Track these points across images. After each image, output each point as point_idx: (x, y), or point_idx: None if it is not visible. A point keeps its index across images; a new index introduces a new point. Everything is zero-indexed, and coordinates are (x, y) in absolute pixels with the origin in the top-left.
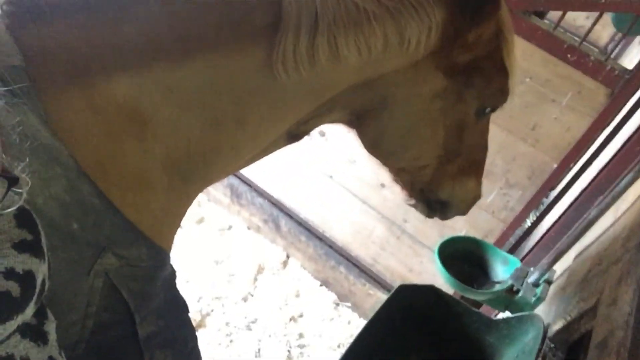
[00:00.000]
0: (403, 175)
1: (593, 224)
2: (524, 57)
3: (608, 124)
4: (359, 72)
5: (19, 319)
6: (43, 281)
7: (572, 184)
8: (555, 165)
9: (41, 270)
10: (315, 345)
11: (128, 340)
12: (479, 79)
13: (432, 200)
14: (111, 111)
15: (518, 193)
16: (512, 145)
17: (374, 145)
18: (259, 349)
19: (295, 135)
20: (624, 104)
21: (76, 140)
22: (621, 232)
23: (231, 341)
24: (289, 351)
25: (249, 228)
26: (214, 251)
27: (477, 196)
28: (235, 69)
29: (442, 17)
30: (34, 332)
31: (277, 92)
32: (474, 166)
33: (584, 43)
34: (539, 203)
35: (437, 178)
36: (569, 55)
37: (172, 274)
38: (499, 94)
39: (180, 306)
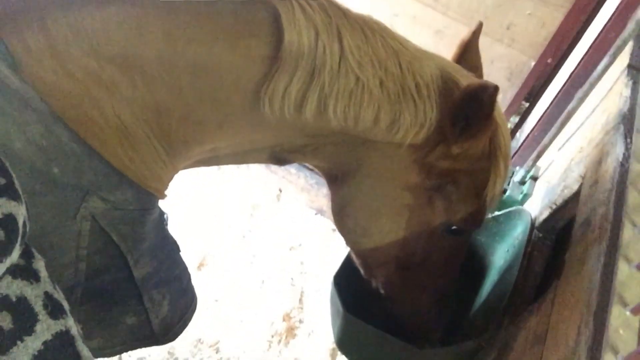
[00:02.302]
0: (363, 264)
1: (572, 115)
2: None
3: (583, 14)
4: (343, 129)
5: (7, 262)
6: (24, 223)
7: (551, 80)
8: (533, 63)
9: (21, 212)
10: (316, 271)
11: (125, 283)
12: (453, 192)
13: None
14: (80, 71)
15: (499, 96)
16: (489, 48)
17: (337, 213)
18: (263, 281)
19: (279, 159)
20: None
21: (48, 89)
22: (600, 117)
23: (234, 278)
24: (292, 279)
25: (237, 167)
26: (205, 193)
27: (434, 326)
28: (221, 83)
29: (436, 120)
30: (24, 272)
31: (259, 117)
32: (435, 285)
33: None
34: (519, 104)
35: (391, 286)
36: None
37: (161, 216)
38: (470, 218)
39: (171, 246)
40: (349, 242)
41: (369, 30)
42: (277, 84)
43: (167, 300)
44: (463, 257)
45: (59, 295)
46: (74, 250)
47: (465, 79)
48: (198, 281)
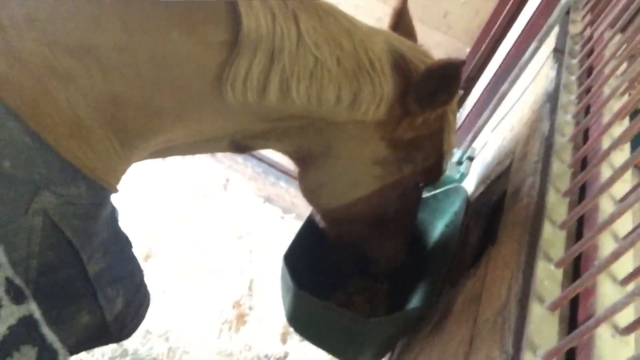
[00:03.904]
0: (334, 226)
1: (504, 97)
2: None
3: (514, 2)
4: (307, 112)
5: None
6: None
7: (485, 65)
8: (468, 50)
9: None
10: (266, 258)
11: (78, 280)
12: (418, 156)
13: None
14: (35, 62)
15: None
16: (427, 36)
17: (311, 191)
18: (211, 270)
19: (240, 146)
20: None
21: (1, 81)
22: (529, 98)
23: (182, 268)
24: (241, 267)
25: (183, 157)
26: (150, 183)
27: (401, 258)
28: (181, 71)
29: (393, 93)
30: None
31: (221, 104)
32: (401, 229)
33: None
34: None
35: (366, 236)
36: None
37: (114, 211)
38: (434, 172)
39: (124, 242)
40: (323, 213)
41: (322, 11)
42: (237, 68)
43: (121, 297)
44: (420, 201)
45: (20, 281)
46: (25, 247)
47: (411, 50)
48: (145, 273)
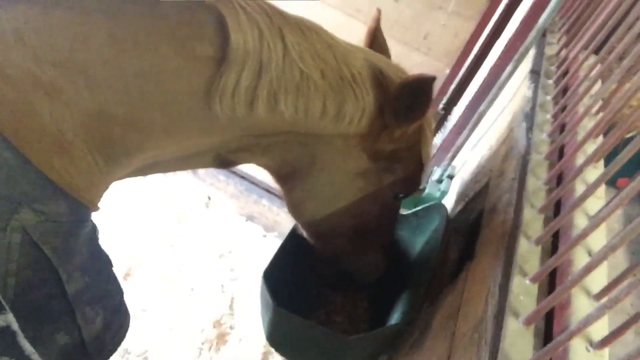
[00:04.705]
0: (318, 239)
1: (483, 116)
2: None
3: (491, 25)
4: (294, 125)
5: None
6: None
7: (465, 86)
8: (448, 71)
9: None
10: (247, 277)
11: (56, 299)
12: (398, 167)
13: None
14: (20, 75)
15: None
16: (408, 56)
17: (296, 205)
18: (192, 289)
19: (224, 161)
20: (502, 3)
21: None
22: (506, 117)
23: (162, 287)
24: (222, 285)
25: (164, 175)
26: (131, 201)
27: (381, 269)
28: (169, 86)
29: (373, 106)
30: None
31: (208, 118)
32: (381, 240)
33: None
34: (435, 110)
35: (348, 248)
36: None
37: (94, 229)
38: (412, 183)
39: (104, 261)
40: (306, 227)
41: (305, 27)
42: (226, 82)
43: (100, 317)
44: (398, 212)
45: None
46: (3, 264)
47: (387, 65)
48: (125, 291)
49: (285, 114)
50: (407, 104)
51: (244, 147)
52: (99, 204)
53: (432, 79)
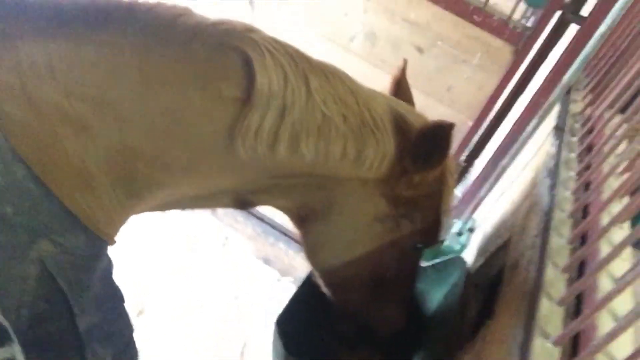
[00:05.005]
0: (335, 289)
1: (506, 170)
2: (435, 21)
3: (514, 80)
4: (314, 167)
5: None
6: None
7: (487, 139)
8: (470, 123)
9: None
10: (261, 321)
11: (68, 333)
12: (417, 215)
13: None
14: (49, 108)
15: None
16: (431, 107)
17: (314, 249)
18: (205, 331)
19: (243, 202)
20: (527, 59)
21: (12, 124)
22: (529, 173)
23: (175, 326)
24: (235, 328)
25: (182, 213)
26: (151, 237)
27: (401, 324)
28: (194, 125)
29: (394, 151)
30: None
31: (230, 158)
32: (400, 294)
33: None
34: (458, 160)
35: (366, 300)
36: (475, 17)
37: (110, 265)
38: (432, 233)
39: (117, 297)
40: (323, 273)
41: (328, 72)
42: (250, 122)
43: (110, 355)
44: (419, 264)
45: (6, 323)
46: (18, 295)
47: (409, 112)
48: (136, 329)
49: (306, 156)
50: (425, 150)
51: (264, 189)
52: (116, 238)
53: (451, 126)
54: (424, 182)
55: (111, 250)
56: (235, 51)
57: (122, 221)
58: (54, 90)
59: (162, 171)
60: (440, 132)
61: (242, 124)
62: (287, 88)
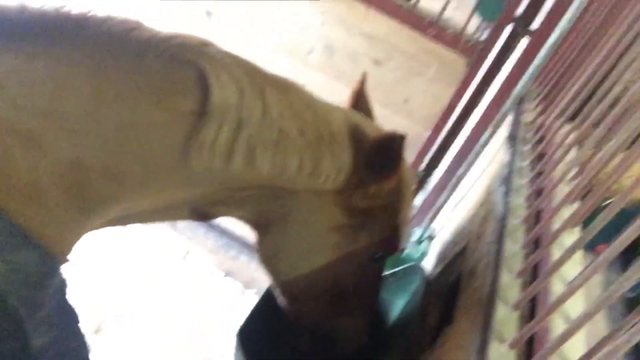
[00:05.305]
0: (293, 302)
1: (462, 179)
2: (391, 34)
3: (469, 91)
4: (270, 180)
5: None
6: None
7: (445, 149)
8: (427, 134)
9: None
10: (224, 333)
11: (20, 353)
12: (375, 225)
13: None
14: (1, 121)
15: None
16: (389, 119)
17: (269, 258)
18: (167, 345)
19: (201, 214)
20: (481, 71)
21: None
22: (485, 180)
23: (135, 342)
24: (198, 341)
25: (142, 227)
26: (109, 253)
27: (363, 337)
28: (148, 138)
29: (350, 163)
30: None
31: (186, 171)
32: (362, 306)
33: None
34: (415, 172)
35: (326, 313)
36: (430, 30)
37: (63, 282)
38: (390, 244)
39: (71, 315)
40: (279, 283)
41: (285, 86)
42: (205, 136)
43: None
44: (382, 276)
45: None
46: None
47: (366, 125)
48: (93, 348)
49: (262, 170)
50: (379, 160)
51: (220, 200)
52: (70, 255)
53: (402, 138)
54: (380, 193)
55: (67, 267)
56: (190, 65)
57: (76, 238)
58: (3, 105)
59: (116, 186)
60: (392, 144)
61: (197, 138)
62: (243, 102)
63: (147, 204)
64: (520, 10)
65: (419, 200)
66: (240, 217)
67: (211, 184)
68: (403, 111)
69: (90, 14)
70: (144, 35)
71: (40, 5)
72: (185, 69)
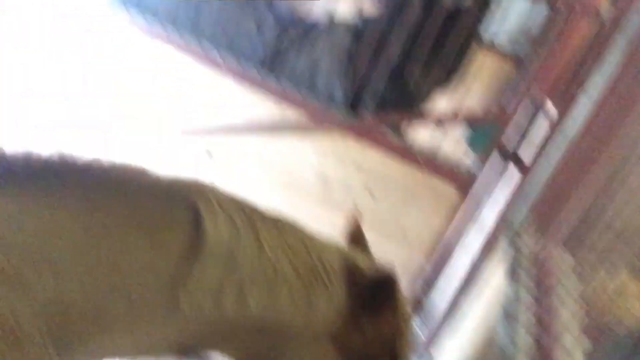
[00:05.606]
0: None
1: (461, 307)
2: (384, 165)
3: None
4: (262, 319)
5: None
6: None
7: (441, 275)
8: (423, 262)
9: None
10: None
11: None
12: None
13: None
14: None
15: None
16: (384, 247)
17: None
18: None
19: (186, 349)
20: (474, 200)
21: None
22: (483, 310)
23: None
24: None
25: None
26: None
27: None
28: (135, 276)
29: (345, 302)
30: None
31: (174, 312)
32: None
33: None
34: (413, 302)
35: None
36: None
37: None
38: None
39: None
40: None
41: (280, 225)
42: (195, 276)
43: None
44: None
45: None
46: None
47: (363, 261)
48: None
49: (254, 310)
50: (374, 300)
51: (208, 339)
52: None
53: (394, 280)
54: (376, 331)
55: None
56: (184, 203)
57: None
58: None
59: (101, 326)
60: (385, 283)
61: (186, 278)
62: (238, 242)
63: (132, 343)
64: (510, 144)
65: (416, 330)
66: (228, 354)
67: (200, 324)
68: (399, 238)
69: (95, 162)
70: (146, 180)
71: (46, 154)
72: (180, 207)
